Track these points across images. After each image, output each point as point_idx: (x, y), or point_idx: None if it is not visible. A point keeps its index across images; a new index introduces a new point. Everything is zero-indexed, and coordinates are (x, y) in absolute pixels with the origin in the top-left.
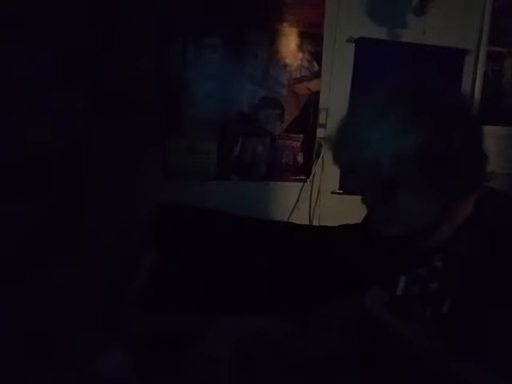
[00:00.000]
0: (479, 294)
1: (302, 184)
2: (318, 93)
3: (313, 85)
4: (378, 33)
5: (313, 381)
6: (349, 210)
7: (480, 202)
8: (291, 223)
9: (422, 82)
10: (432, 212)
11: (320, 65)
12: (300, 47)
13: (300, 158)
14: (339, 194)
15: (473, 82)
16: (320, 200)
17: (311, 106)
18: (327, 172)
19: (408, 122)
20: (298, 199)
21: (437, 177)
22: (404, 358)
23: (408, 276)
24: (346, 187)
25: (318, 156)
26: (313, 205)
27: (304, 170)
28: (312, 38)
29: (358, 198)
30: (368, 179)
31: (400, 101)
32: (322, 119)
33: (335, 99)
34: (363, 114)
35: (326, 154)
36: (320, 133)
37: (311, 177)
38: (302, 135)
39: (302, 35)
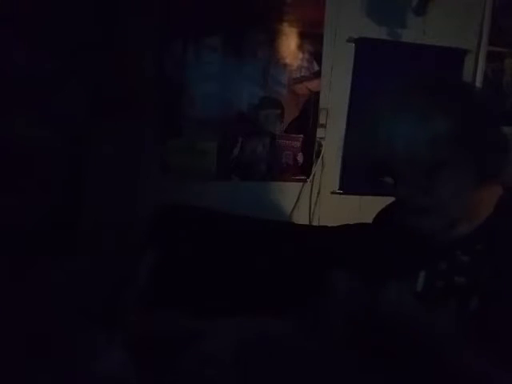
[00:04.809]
0: (508, 293)
1: (301, 184)
2: (318, 93)
3: (313, 85)
4: (378, 33)
5: (313, 381)
6: (349, 210)
7: (503, 200)
8: (291, 223)
9: (441, 77)
10: (466, 198)
11: (320, 65)
12: (300, 47)
13: (300, 157)
14: (339, 193)
15: (473, 82)
16: (320, 200)
17: (311, 106)
18: (327, 172)
19: (440, 105)
20: (297, 199)
21: (469, 157)
22: (429, 353)
23: (428, 271)
24: (346, 187)
25: (318, 156)
26: (313, 205)
27: (304, 170)
28: (312, 38)
29: (358, 198)
30: (406, 169)
31: (427, 88)
32: (322, 119)
33: (335, 99)
34: (393, 104)
35: (326, 154)
36: (320, 133)
37: (311, 177)
38: (301, 135)
39: (302, 35)
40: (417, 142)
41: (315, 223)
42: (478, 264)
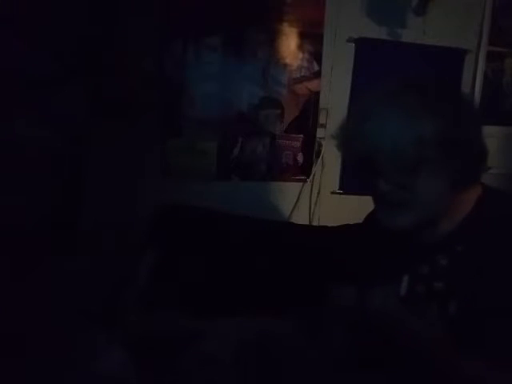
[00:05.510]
0: (486, 295)
1: (301, 184)
2: (318, 93)
3: (313, 85)
4: (378, 33)
5: (314, 381)
6: (349, 210)
7: (481, 199)
8: (291, 223)
9: (431, 77)
10: (443, 198)
11: (320, 65)
12: (300, 47)
13: (300, 158)
14: (339, 193)
15: (473, 81)
16: (320, 200)
17: (311, 106)
18: (327, 172)
19: (428, 106)
20: (297, 199)
21: (452, 159)
22: (416, 355)
23: (411, 275)
24: (346, 187)
25: (318, 156)
26: (313, 205)
27: (304, 170)
28: (312, 38)
29: (358, 198)
30: (388, 165)
31: (416, 88)
32: (322, 119)
33: (335, 99)
34: (381, 102)
35: (326, 154)
36: (320, 133)
37: (311, 177)
38: (301, 135)
39: (302, 35)
40: (400, 138)
41: (315, 223)
42: (456, 268)
